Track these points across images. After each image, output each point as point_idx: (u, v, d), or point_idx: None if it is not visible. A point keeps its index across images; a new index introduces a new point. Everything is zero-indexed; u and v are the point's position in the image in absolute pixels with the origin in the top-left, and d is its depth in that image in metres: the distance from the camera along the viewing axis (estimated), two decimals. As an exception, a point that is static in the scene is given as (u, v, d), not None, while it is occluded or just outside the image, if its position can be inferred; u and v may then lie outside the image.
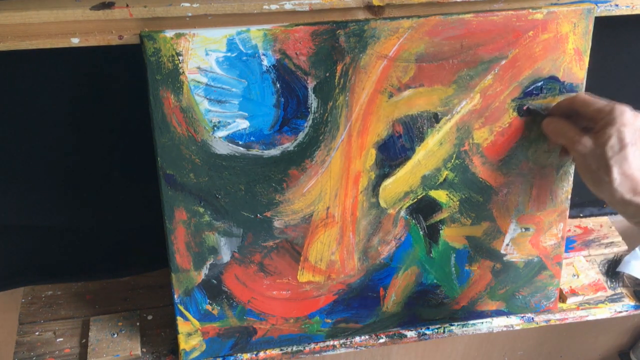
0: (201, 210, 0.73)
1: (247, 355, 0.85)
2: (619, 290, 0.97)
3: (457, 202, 0.80)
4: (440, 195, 0.79)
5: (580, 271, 0.97)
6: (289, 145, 0.72)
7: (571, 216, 1.05)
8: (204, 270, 0.78)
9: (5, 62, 0.68)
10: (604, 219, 1.07)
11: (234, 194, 0.73)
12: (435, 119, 0.74)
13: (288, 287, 0.82)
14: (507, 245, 0.85)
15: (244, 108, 0.69)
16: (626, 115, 0.66)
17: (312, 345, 0.87)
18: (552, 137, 0.74)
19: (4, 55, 0.63)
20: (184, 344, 0.82)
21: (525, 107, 0.75)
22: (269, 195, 0.74)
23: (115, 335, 0.86)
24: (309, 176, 0.74)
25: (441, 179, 0.78)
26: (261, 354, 0.86)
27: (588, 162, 0.68)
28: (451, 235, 0.83)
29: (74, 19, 0.62)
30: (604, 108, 0.68)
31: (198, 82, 0.66)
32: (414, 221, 0.81)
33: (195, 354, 0.83)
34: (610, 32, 0.84)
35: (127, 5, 0.62)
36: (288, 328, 0.85)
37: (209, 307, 0.80)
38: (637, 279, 0.97)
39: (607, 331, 1.38)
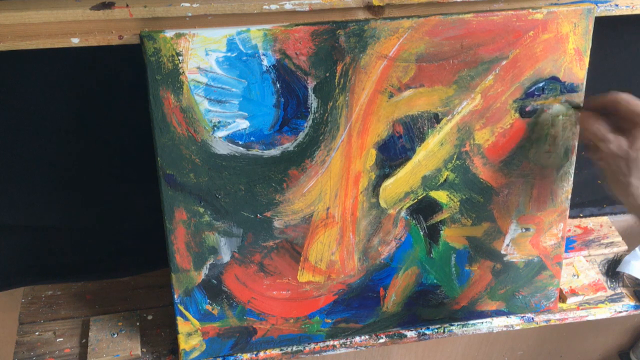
0: (201, 210, 0.73)
1: (247, 355, 0.85)
2: (619, 290, 0.97)
3: (458, 203, 0.80)
4: (440, 195, 0.79)
5: (580, 271, 0.97)
6: (289, 145, 0.72)
7: (571, 216, 1.05)
8: (204, 270, 0.78)
9: (5, 62, 0.68)
10: (604, 219, 1.07)
11: (234, 194, 0.73)
12: (435, 119, 0.74)
13: (288, 287, 0.82)
14: (508, 245, 0.85)
15: (244, 108, 0.69)
16: None
17: (312, 345, 0.87)
18: (586, 132, 0.73)
19: (4, 55, 0.63)
20: (184, 344, 0.82)
21: (565, 101, 0.75)
22: (269, 195, 0.74)
23: (115, 335, 0.86)
24: (309, 176, 0.74)
25: (442, 180, 0.78)
26: (261, 354, 0.86)
27: (618, 164, 0.68)
28: (451, 236, 0.83)
29: (74, 19, 0.62)
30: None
31: (198, 82, 0.66)
32: (414, 221, 0.81)
33: (195, 354, 0.83)
34: (610, 32, 0.84)
35: (127, 5, 0.62)
36: (288, 328, 0.85)
37: (209, 307, 0.80)
38: (637, 279, 0.97)
39: (607, 331, 1.38)
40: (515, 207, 0.82)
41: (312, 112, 0.70)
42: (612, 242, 1.03)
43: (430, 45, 0.69)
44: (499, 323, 0.92)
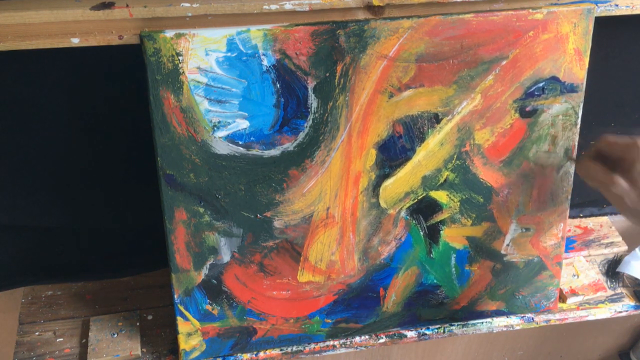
0: (201, 210, 0.73)
1: (247, 355, 0.85)
2: (619, 290, 0.97)
3: (458, 203, 0.80)
4: (440, 195, 0.79)
5: (580, 271, 0.97)
6: (289, 145, 0.72)
7: (571, 216, 1.05)
8: (204, 270, 0.78)
9: (5, 62, 0.68)
10: (604, 219, 1.07)
11: (234, 194, 0.73)
12: (435, 119, 0.74)
13: (288, 287, 0.82)
14: (508, 245, 0.85)
15: (244, 108, 0.69)
16: None
17: (312, 345, 0.87)
18: (587, 181, 0.73)
19: (4, 55, 0.63)
20: (184, 344, 0.82)
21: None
22: (269, 195, 0.74)
23: (115, 335, 0.86)
24: (309, 176, 0.74)
25: (442, 180, 0.78)
26: (261, 354, 0.86)
27: (628, 199, 0.68)
28: (451, 236, 0.83)
29: (74, 19, 0.62)
30: (629, 142, 0.69)
31: (198, 82, 0.66)
32: (414, 221, 0.81)
33: (195, 354, 0.83)
34: (610, 32, 0.84)
35: (127, 5, 0.62)
36: (288, 328, 0.85)
37: (209, 307, 0.80)
38: (637, 279, 0.97)
39: (607, 331, 1.38)
40: (515, 207, 0.82)
41: (312, 112, 0.70)
42: (612, 242, 1.03)
43: (430, 45, 0.69)
44: (499, 323, 0.92)
